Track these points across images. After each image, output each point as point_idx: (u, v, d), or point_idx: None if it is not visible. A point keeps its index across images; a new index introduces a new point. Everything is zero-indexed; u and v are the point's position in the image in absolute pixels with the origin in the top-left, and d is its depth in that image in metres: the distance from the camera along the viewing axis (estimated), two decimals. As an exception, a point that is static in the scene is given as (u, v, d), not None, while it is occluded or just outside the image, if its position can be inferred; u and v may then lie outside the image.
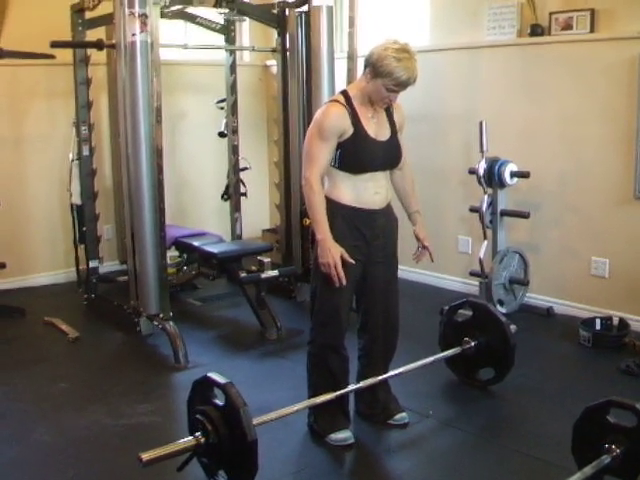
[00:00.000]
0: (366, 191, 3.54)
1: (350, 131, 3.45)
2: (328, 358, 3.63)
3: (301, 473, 3.45)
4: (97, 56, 5.80)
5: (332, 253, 3.42)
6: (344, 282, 3.45)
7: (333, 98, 3.61)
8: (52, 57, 5.60)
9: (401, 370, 3.89)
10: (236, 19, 6.33)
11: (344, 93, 3.55)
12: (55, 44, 5.10)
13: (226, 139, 6.66)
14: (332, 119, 3.44)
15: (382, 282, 3.72)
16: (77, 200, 5.76)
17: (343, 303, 3.59)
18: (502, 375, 4.17)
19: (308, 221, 5.01)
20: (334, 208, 3.50)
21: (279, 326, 5.20)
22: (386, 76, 3.37)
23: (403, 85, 3.42)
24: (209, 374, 3.18)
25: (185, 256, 6.03)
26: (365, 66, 3.46)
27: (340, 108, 3.46)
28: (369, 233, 3.58)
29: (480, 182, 5.44)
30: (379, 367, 3.83)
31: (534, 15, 5.46)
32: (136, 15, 4.67)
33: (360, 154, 3.48)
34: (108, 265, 6.48)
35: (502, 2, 5.64)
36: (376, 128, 3.55)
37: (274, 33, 6.15)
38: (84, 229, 5.81)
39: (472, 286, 5.86)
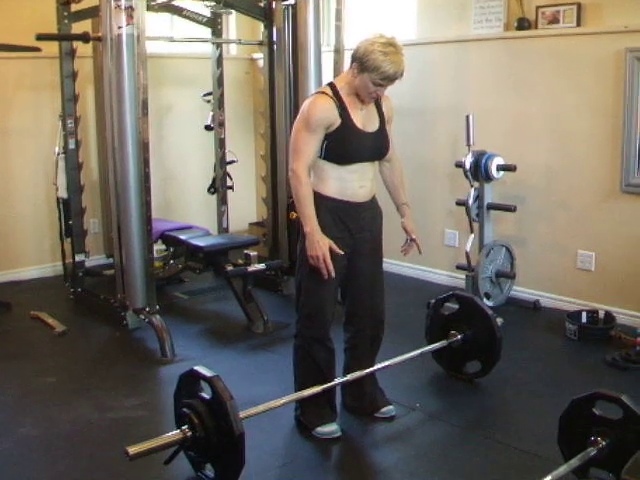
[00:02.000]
0: (351, 184, 3.53)
1: (337, 122, 3.44)
2: (314, 351, 3.64)
3: (288, 466, 3.45)
4: (83, 49, 5.78)
5: (320, 245, 3.42)
6: (333, 274, 3.46)
7: (320, 90, 3.60)
8: (38, 50, 5.58)
9: (388, 363, 3.90)
10: (223, 12, 6.32)
11: (331, 85, 3.54)
12: (41, 37, 5.08)
13: (213, 132, 6.64)
14: (319, 110, 3.43)
15: (367, 274, 3.72)
16: (63, 194, 5.74)
17: (328, 295, 3.59)
18: (488, 368, 4.19)
19: (295, 214, 5.02)
20: (318, 200, 3.50)
21: (266, 319, 5.21)
22: (373, 70, 3.36)
23: (390, 79, 3.42)
24: (195, 367, 3.18)
25: (172, 250, 6.02)
26: (352, 60, 3.45)
27: (327, 100, 3.45)
28: (354, 226, 3.58)
29: (467, 175, 5.44)
30: (365, 360, 3.84)
31: (521, 9, 5.46)
32: (122, 8, 4.65)
33: (347, 145, 3.48)
34: (94, 259, 6.44)
35: (489, -4, 5.65)
36: (364, 119, 3.54)
37: (261, 26, 6.15)
38: (70, 223, 5.79)
39: (459, 279, 5.87)
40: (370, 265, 3.73)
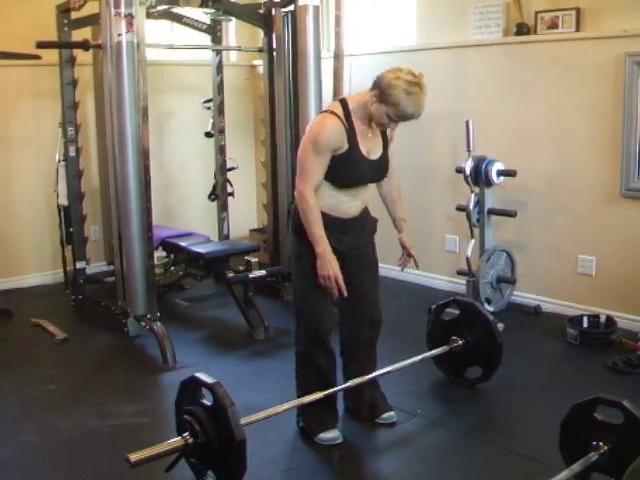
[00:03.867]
0: (342, 204, 3.54)
1: (345, 147, 3.41)
2: (315, 354, 3.64)
3: (290, 473, 3.45)
4: (83, 56, 5.79)
5: (332, 266, 3.43)
6: (345, 293, 3.48)
7: (330, 109, 3.49)
8: (38, 57, 5.58)
9: (389, 369, 3.89)
10: (222, 19, 6.32)
11: (343, 103, 3.47)
12: (41, 44, 5.09)
13: (213, 139, 6.65)
14: (328, 134, 3.38)
15: (361, 280, 3.72)
16: (64, 201, 5.74)
17: (325, 298, 3.58)
18: (490, 373, 4.19)
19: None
20: None
21: (267, 326, 5.20)
22: (392, 106, 3.32)
23: (406, 119, 3.40)
24: (197, 374, 3.17)
25: (172, 256, 6.02)
26: (373, 86, 3.38)
27: (337, 123, 3.40)
28: (343, 236, 3.58)
29: (467, 181, 5.44)
30: (364, 362, 3.84)
31: (520, 14, 5.47)
32: (122, 15, 4.66)
33: (349, 172, 3.46)
34: (95, 266, 6.44)
35: (488, 1, 5.65)
36: (369, 146, 3.52)
37: (260, 33, 6.15)
38: (71, 230, 5.79)
39: (459, 285, 5.86)
40: (363, 269, 3.73)
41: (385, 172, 3.67)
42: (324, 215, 3.48)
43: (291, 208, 3.76)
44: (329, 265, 3.42)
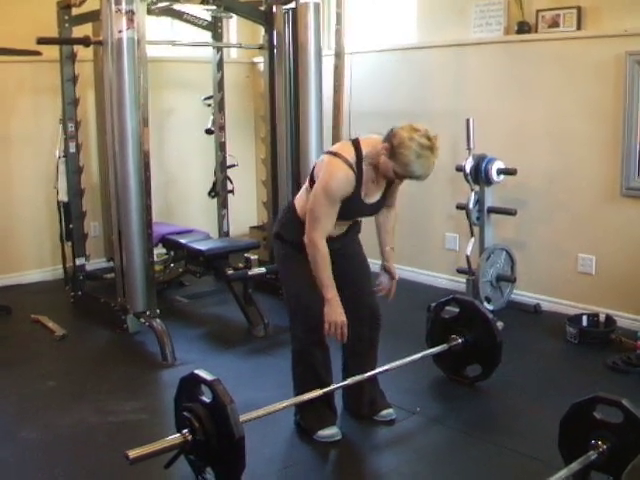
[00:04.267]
0: (331, 229, 3.56)
1: (350, 194, 3.44)
2: (312, 351, 3.63)
3: (288, 470, 3.45)
4: (84, 53, 5.78)
5: (340, 312, 3.47)
6: (345, 340, 3.53)
7: (343, 154, 3.44)
8: (38, 54, 5.58)
9: (388, 367, 3.89)
10: (223, 16, 6.32)
11: (356, 147, 3.46)
12: (41, 41, 5.07)
13: (213, 136, 6.64)
14: (341, 185, 3.39)
15: (356, 274, 3.75)
16: (64, 197, 5.74)
17: (317, 295, 3.57)
18: (489, 372, 4.19)
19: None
20: (296, 221, 3.59)
21: (266, 323, 5.21)
22: (400, 164, 3.31)
23: (413, 179, 3.40)
24: (196, 371, 3.17)
25: (172, 253, 6.01)
26: (386, 138, 3.37)
27: (349, 174, 3.39)
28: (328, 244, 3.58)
29: (467, 179, 5.45)
30: (364, 358, 3.85)
31: (521, 12, 5.47)
32: (123, 12, 4.66)
33: (344, 211, 3.49)
34: (95, 262, 6.43)
35: (489, -1, 5.66)
36: (370, 191, 3.55)
37: (261, 30, 6.13)
38: (71, 226, 5.78)
39: (459, 283, 5.86)
40: (353, 262, 3.79)
41: (379, 210, 3.73)
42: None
43: (281, 212, 3.85)
44: (337, 312, 3.47)
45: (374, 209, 3.67)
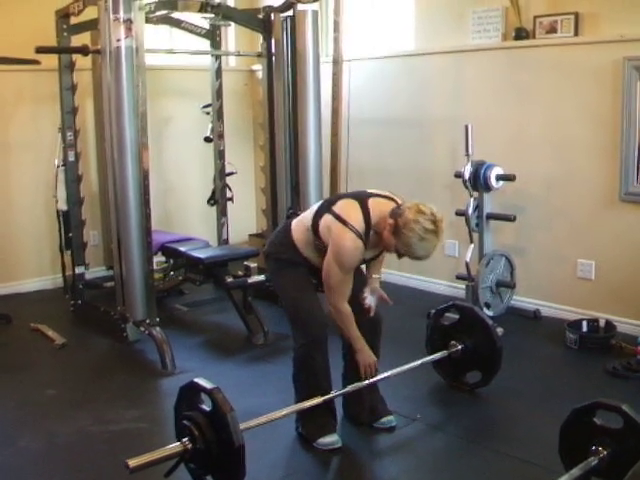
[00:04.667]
0: None
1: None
2: (314, 358, 3.63)
3: (288, 478, 3.45)
4: (82, 61, 5.79)
5: (370, 355, 3.68)
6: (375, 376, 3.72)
7: (354, 223, 3.42)
8: (37, 63, 5.60)
9: (388, 374, 3.89)
10: (221, 24, 6.32)
11: (366, 215, 3.46)
12: (40, 50, 5.08)
13: (212, 144, 6.64)
14: (354, 257, 3.44)
15: (352, 287, 3.72)
16: (63, 206, 5.74)
17: (313, 299, 3.62)
18: (489, 378, 4.18)
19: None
20: (292, 245, 3.65)
21: (266, 331, 5.21)
22: (403, 244, 3.35)
23: (413, 259, 3.45)
24: (196, 379, 3.18)
25: (171, 261, 6.01)
26: (392, 214, 3.38)
27: (360, 245, 3.41)
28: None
29: (466, 185, 5.45)
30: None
31: (518, 19, 5.47)
32: (121, 20, 4.67)
33: None
34: (94, 271, 6.43)
35: (487, 6, 5.66)
36: (370, 250, 3.57)
37: (259, 38, 6.14)
38: (70, 235, 5.78)
39: (459, 289, 5.86)
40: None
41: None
42: (302, 258, 3.66)
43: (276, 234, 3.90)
44: (369, 355, 3.67)
45: (368, 260, 3.72)
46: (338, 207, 3.49)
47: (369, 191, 3.61)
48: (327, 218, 3.49)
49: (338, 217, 3.44)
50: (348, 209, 3.47)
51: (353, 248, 3.41)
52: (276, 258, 3.75)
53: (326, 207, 3.55)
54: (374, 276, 3.88)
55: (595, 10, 5.14)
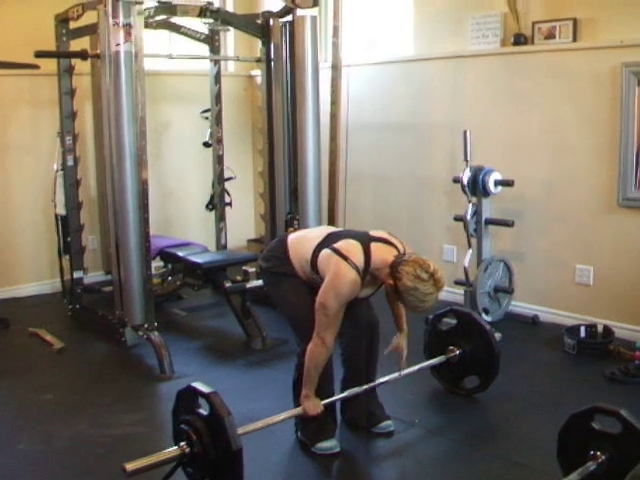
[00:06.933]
0: None
1: None
2: None
3: (287, 482, 3.45)
4: (81, 66, 5.79)
5: (318, 404, 3.55)
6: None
7: (353, 259, 3.42)
8: (36, 67, 5.60)
9: (386, 379, 3.90)
10: (220, 29, 6.32)
11: (367, 255, 3.46)
12: (39, 54, 5.08)
13: (211, 149, 6.66)
14: (350, 290, 3.42)
15: None
16: (61, 210, 5.74)
17: (311, 303, 3.60)
18: (487, 383, 4.18)
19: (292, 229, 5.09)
20: (288, 261, 3.67)
21: (264, 336, 5.20)
22: (401, 297, 3.43)
23: (410, 310, 3.53)
24: (193, 384, 3.17)
25: (170, 266, 6.02)
26: (393, 268, 3.39)
27: (357, 280, 3.40)
28: None
29: (464, 191, 5.44)
30: (363, 368, 3.85)
31: (517, 24, 5.48)
32: (120, 25, 4.67)
33: None
34: (93, 275, 6.45)
35: (485, 12, 5.67)
36: (365, 289, 3.57)
37: (258, 43, 6.15)
38: (68, 239, 5.79)
39: (457, 295, 5.85)
40: None
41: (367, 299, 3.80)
42: (300, 278, 3.67)
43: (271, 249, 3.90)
44: (317, 405, 3.54)
45: (363, 299, 3.70)
46: (339, 245, 3.50)
47: (371, 234, 3.59)
48: (327, 252, 3.50)
49: (339, 252, 3.45)
50: (350, 247, 3.48)
51: (351, 280, 3.39)
52: (272, 272, 3.76)
53: (327, 245, 3.54)
54: (399, 333, 3.93)
55: (593, 16, 5.14)
